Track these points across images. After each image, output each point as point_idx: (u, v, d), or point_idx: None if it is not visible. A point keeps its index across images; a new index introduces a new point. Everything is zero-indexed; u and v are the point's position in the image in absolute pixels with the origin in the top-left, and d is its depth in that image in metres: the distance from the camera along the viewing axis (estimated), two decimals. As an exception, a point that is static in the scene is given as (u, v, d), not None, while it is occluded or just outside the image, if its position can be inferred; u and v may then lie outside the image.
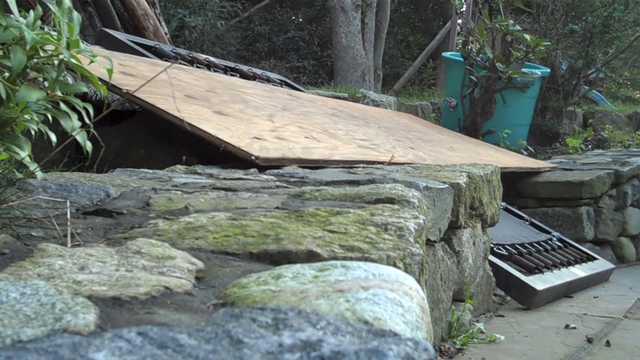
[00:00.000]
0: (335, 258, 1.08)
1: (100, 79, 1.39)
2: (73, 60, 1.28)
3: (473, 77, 5.57)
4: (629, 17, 7.09)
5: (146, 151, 2.97)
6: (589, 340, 2.48)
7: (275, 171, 2.20)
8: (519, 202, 4.53)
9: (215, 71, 4.32)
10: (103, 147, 1.39)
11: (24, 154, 1.28)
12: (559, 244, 3.85)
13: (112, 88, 2.48)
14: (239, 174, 2.12)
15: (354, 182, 1.94)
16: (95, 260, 1.00)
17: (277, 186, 1.83)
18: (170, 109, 2.45)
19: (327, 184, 1.91)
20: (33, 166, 1.31)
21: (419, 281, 1.11)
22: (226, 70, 4.54)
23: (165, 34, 5.39)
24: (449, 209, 2.24)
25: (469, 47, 6.14)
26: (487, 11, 5.99)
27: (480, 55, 5.55)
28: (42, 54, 1.27)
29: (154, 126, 2.95)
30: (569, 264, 3.56)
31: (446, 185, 2.17)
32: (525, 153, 5.82)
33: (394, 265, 1.09)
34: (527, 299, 3.02)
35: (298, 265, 0.99)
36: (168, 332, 0.71)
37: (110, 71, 1.36)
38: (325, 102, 4.40)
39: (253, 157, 2.25)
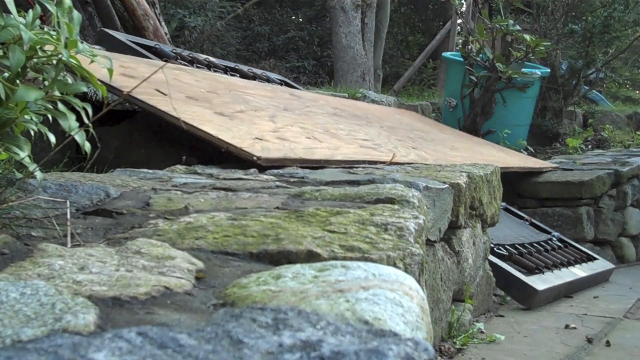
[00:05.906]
0: (335, 258, 1.08)
1: (100, 80, 1.39)
2: (72, 60, 1.28)
3: (473, 77, 5.57)
4: (629, 17, 7.08)
5: (146, 151, 2.97)
6: (589, 340, 2.48)
7: (275, 171, 2.20)
8: (519, 202, 4.53)
9: (215, 71, 4.32)
10: (99, 147, 1.39)
11: (24, 154, 1.28)
12: (559, 244, 3.84)
13: (112, 89, 2.48)
14: (239, 174, 2.12)
15: (354, 182, 1.94)
16: (95, 260, 1.00)
17: (277, 186, 1.83)
18: (170, 109, 2.45)
19: (327, 184, 1.91)
20: (33, 166, 1.30)
21: (419, 281, 1.11)
22: (226, 70, 4.53)
23: (165, 34, 5.39)
24: (449, 209, 2.24)
25: (469, 47, 6.12)
26: (487, 11, 5.99)
27: (480, 55, 5.54)
28: (41, 54, 1.26)
29: (154, 126, 2.95)
30: (569, 264, 3.56)
31: (446, 185, 2.17)
32: (525, 153, 5.81)
33: (394, 265, 1.09)
34: (527, 299, 3.01)
35: (298, 266, 0.99)
36: (168, 332, 0.71)
37: (110, 71, 1.36)
38: (327, 101, 4.39)
39: (255, 158, 2.25)
